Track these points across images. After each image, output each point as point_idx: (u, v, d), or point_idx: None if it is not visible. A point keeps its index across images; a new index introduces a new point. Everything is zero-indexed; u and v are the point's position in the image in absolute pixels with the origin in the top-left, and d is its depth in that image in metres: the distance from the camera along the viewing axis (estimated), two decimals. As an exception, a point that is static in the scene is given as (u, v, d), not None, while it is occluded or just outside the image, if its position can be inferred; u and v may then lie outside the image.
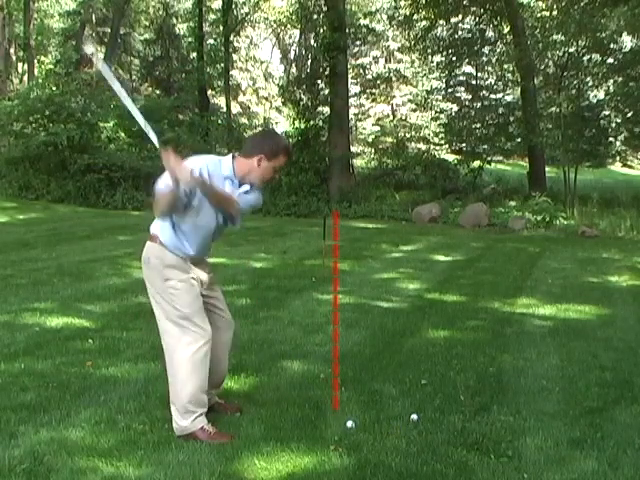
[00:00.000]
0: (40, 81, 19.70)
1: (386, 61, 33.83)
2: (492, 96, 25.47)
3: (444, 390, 4.31)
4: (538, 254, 11.09)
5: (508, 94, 25.49)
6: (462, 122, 24.87)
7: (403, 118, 33.16)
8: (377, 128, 32.67)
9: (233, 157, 3.56)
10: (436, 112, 29.59)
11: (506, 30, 22.12)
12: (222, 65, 23.78)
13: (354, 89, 29.95)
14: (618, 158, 32.61)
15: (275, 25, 31.49)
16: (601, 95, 22.64)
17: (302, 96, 20.52)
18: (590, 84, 21.58)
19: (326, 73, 19.26)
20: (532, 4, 22.61)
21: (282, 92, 24.21)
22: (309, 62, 22.96)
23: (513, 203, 17.63)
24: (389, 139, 30.33)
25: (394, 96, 33.30)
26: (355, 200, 17.22)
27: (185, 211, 3.40)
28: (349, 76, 21.76)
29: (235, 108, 30.27)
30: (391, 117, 34.15)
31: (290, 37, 37.00)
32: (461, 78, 26.88)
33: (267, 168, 3.54)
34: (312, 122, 19.49)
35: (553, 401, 4.22)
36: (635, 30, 19.82)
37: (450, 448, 3.50)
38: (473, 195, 18.11)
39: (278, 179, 17.17)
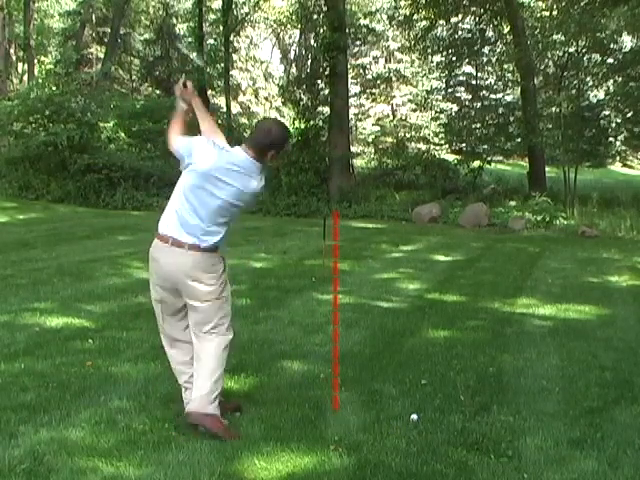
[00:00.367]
0: (40, 81, 19.64)
1: (386, 61, 33.78)
2: (492, 96, 25.43)
3: (444, 390, 4.31)
4: (538, 254, 11.08)
5: (508, 94, 25.46)
6: (462, 122, 24.81)
7: (403, 118, 33.11)
8: (377, 128, 32.63)
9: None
10: (436, 112, 29.57)
11: (506, 30, 22.09)
12: (222, 65, 23.77)
13: (354, 89, 29.93)
14: (618, 158, 32.62)
15: (275, 25, 31.48)
16: (601, 95, 22.63)
17: (302, 96, 20.50)
18: (590, 84, 21.54)
19: (326, 73, 19.22)
20: (532, 4, 22.58)
21: (282, 92, 24.20)
22: (309, 62, 22.92)
23: (513, 203, 17.60)
24: (389, 139, 30.32)
25: (394, 96, 33.25)
26: (355, 200, 17.19)
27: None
28: (349, 76, 21.74)
29: (235, 108, 30.20)
30: (391, 117, 34.09)
31: (290, 37, 37.00)
32: (461, 78, 26.82)
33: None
34: (312, 122, 19.45)
35: (553, 401, 4.23)
36: (635, 30, 19.82)
37: (450, 448, 3.50)
38: (473, 195, 18.08)
39: (278, 179, 17.18)
